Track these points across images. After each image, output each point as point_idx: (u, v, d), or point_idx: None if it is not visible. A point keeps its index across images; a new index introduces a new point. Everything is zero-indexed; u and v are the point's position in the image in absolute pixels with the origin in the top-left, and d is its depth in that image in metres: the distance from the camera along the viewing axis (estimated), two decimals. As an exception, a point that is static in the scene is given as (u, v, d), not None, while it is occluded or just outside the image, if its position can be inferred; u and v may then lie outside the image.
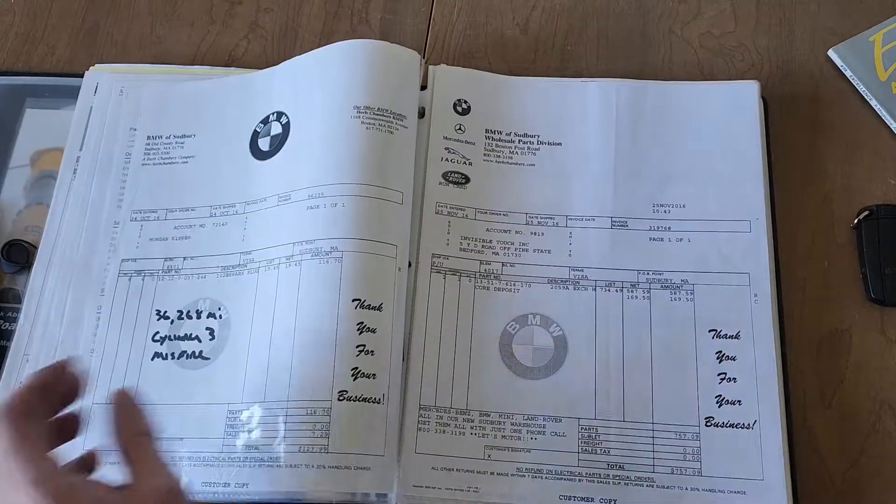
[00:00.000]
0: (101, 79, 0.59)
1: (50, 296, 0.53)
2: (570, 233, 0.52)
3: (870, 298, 0.51)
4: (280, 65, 0.57)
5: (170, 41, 0.62)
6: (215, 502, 0.46)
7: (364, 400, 0.46)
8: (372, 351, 0.47)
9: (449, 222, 0.53)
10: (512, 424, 0.48)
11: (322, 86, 0.54)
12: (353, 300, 0.48)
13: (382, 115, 0.52)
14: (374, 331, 0.48)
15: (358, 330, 0.47)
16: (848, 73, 0.57)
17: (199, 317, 0.51)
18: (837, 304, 0.51)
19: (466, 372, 0.49)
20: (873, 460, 0.48)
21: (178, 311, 0.51)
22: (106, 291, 0.52)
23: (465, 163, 0.54)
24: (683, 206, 0.52)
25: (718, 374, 0.48)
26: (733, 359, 0.48)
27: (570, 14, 0.61)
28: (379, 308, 0.48)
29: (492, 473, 0.47)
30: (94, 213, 0.55)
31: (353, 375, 0.46)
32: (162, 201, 0.55)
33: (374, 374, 0.47)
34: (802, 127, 0.56)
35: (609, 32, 0.61)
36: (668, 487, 0.46)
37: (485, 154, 0.55)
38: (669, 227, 0.52)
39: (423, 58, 0.59)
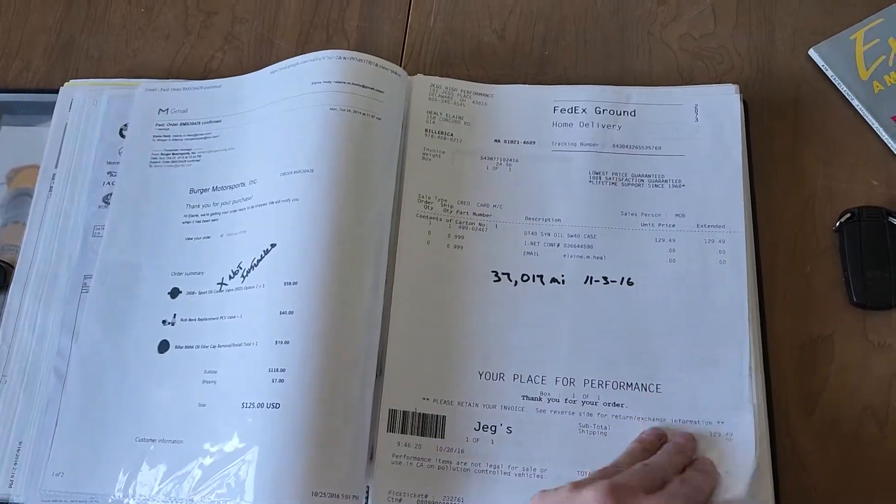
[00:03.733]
0: (75, 94, 0.58)
1: (29, 315, 0.53)
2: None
3: (852, 302, 0.50)
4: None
5: (145, 54, 0.62)
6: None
7: None
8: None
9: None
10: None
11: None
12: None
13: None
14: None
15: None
16: (829, 73, 0.57)
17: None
18: (820, 309, 0.51)
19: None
20: (857, 467, 0.47)
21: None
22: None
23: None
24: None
25: None
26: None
27: (547, 19, 0.61)
28: None
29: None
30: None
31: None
32: None
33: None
34: (783, 128, 0.56)
35: (587, 36, 0.60)
36: None
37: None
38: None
39: (400, 66, 0.59)
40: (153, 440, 0.48)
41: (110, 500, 0.47)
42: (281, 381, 0.45)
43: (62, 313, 0.52)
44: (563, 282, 0.50)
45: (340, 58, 0.53)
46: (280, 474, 0.44)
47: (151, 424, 0.48)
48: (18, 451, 0.49)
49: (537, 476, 0.46)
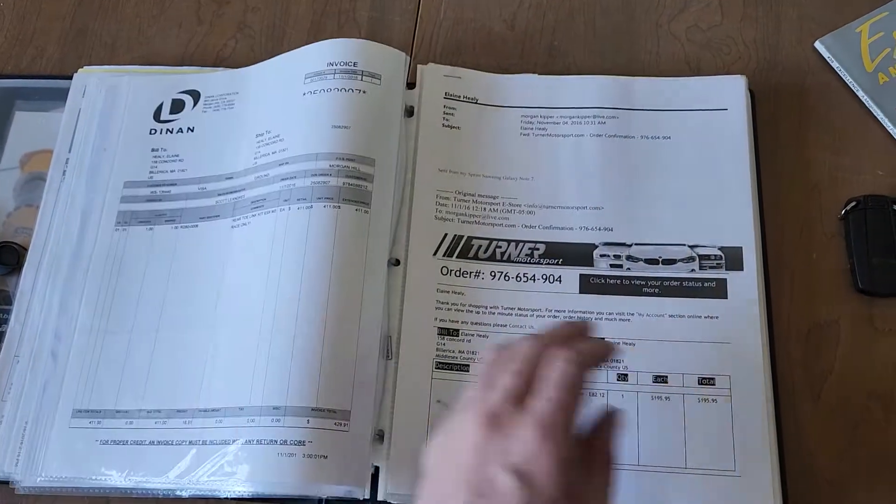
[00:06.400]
0: (89, 81, 0.59)
1: (40, 297, 0.53)
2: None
3: (858, 289, 0.51)
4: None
5: (158, 42, 0.62)
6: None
7: None
8: None
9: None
10: None
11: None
12: None
13: None
14: None
15: None
16: (835, 65, 0.57)
17: None
18: (826, 296, 0.51)
19: None
20: (862, 452, 0.48)
21: None
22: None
23: None
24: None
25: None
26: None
27: (557, 9, 0.61)
28: None
29: None
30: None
31: None
32: None
33: None
34: (790, 119, 0.56)
35: (596, 27, 0.61)
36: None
37: None
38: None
39: (411, 56, 0.59)
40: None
41: (111, 483, 0.48)
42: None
43: (60, 297, 0.53)
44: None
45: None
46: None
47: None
48: (24, 431, 0.50)
49: None
